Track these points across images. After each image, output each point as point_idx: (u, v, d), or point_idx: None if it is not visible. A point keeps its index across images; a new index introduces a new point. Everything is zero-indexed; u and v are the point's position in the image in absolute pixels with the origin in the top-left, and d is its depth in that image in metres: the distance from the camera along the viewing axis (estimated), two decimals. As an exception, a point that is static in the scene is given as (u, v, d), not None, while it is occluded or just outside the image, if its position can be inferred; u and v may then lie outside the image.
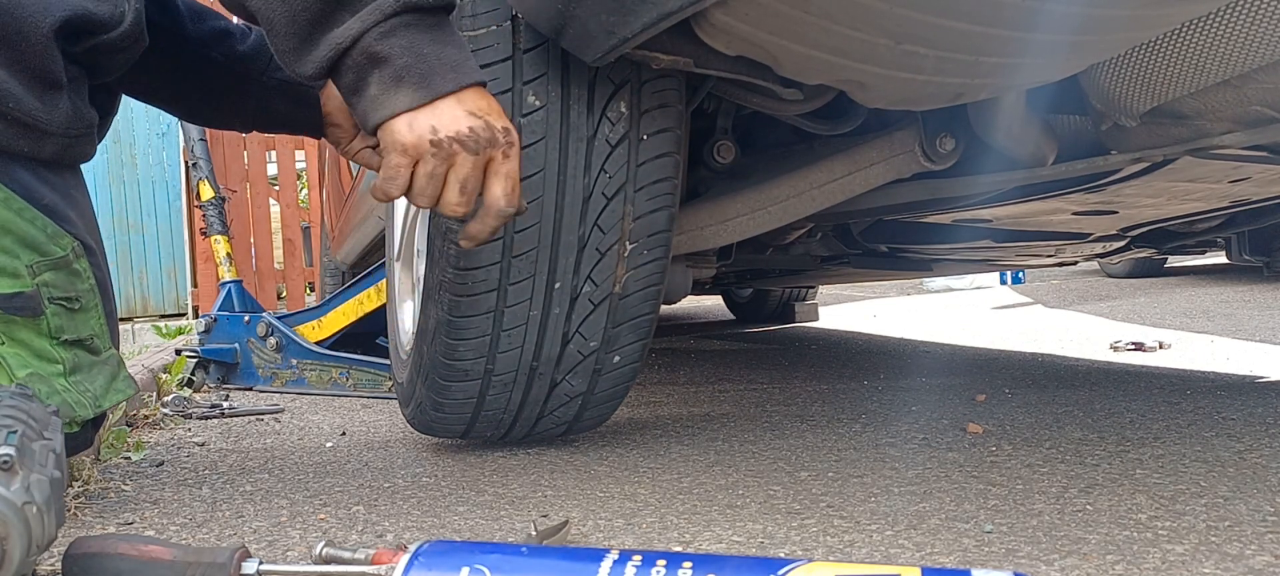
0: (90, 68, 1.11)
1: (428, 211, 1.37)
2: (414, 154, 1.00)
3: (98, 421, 1.17)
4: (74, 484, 1.28)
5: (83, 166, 1.16)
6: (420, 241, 1.59)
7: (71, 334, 1.09)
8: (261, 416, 2.07)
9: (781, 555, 0.97)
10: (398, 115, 0.99)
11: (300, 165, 7.48)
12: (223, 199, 3.09)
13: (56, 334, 1.08)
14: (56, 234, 1.07)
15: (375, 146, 1.31)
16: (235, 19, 1.20)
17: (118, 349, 1.19)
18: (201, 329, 2.69)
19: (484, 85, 1.03)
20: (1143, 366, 2.55)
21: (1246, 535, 0.99)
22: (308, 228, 6.85)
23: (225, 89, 1.31)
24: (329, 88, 1.32)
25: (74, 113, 1.07)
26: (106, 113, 1.30)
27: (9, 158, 1.03)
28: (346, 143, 1.36)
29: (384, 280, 2.49)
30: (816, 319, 4.61)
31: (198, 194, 3.09)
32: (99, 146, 1.23)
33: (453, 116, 0.99)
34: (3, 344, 1.05)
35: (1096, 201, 1.62)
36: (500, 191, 1.04)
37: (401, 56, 0.98)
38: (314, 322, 2.67)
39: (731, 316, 4.84)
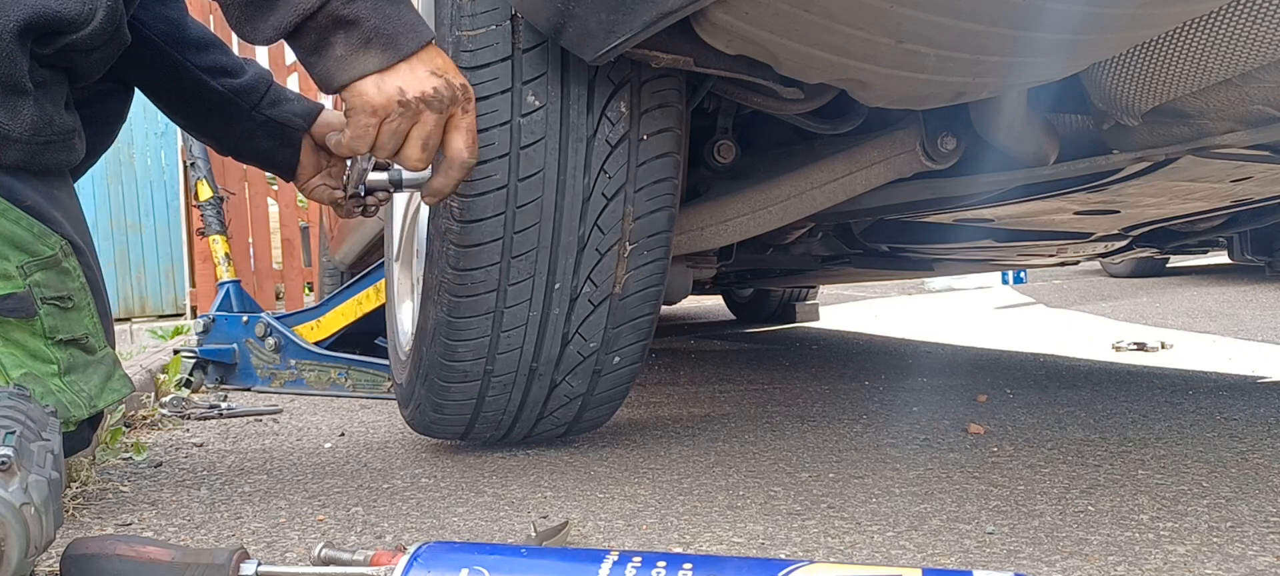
0: (68, 71, 1.09)
1: (427, 212, 1.37)
2: (383, 114, 1.03)
3: (95, 421, 1.17)
4: (72, 485, 1.27)
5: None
6: (419, 242, 1.59)
7: (66, 333, 1.09)
8: (260, 417, 2.06)
9: (782, 556, 0.97)
10: (366, 76, 1.02)
11: (299, 165, 7.46)
12: (221, 199, 3.08)
13: (51, 334, 1.07)
14: (43, 233, 1.06)
15: (330, 185, 1.39)
16: (236, 50, 1.23)
17: (113, 348, 1.18)
18: (200, 329, 2.69)
19: (433, 40, 1.06)
20: (1145, 366, 2.55)
21: (1249, 536, 0.99)
22: (306, 228, 6.84)
23: (215, 113, 1.36)
24: (307, 136, 1.38)
25: (41, 120, 1.04)
26: (116, 117, 1.33)
27: None
28: (306, 179, 1.41)
29: (383, 280, 2.49)
30: (817, 319, 4.61)
31: (196, 194, 3.08)
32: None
33: (417, 77, 1.03)
34: None
35: (1098, 201, 1.61)
36: (462, 144, 1.07)
37: (369, 19, 1.00)
38: (312, 323, 2.66)
39: (732, 316, 4.83)
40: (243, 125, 1.36)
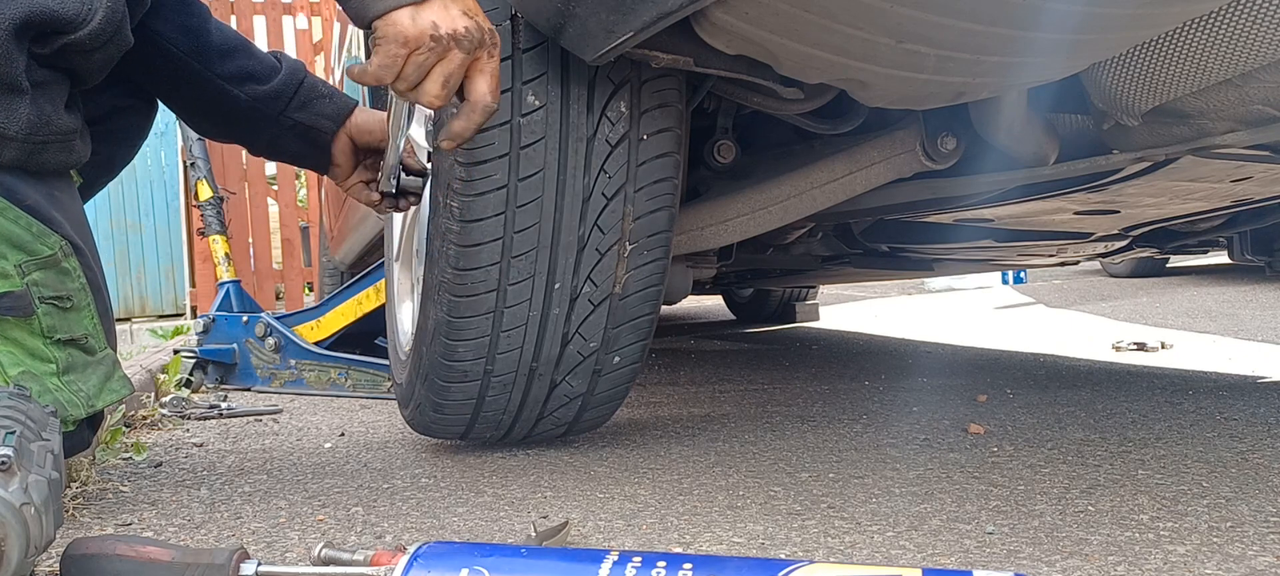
0: (69, 72, 1.08)
1: (427, 212, 1.37)
2: (413, 45, 1.02)
3: (95, 422, 1.17)
4: (72, 485, 1.27)
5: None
6: (419, 242, 1.59)
7: (64, 333, 1.09)
8: (260, 417, 2.06)
9: (782, 556, 0.97)
10: (401, 8, 1.02)
11: (299, 165, 7.46)
12: (221, 199, 3.08)
13: (49, 333, 1.07)
14: (42, 233, 1.06)
15: (367, 181, 1.38)
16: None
17: (114, 349, 1.18)
18: (200, 329, 2.69)
19: None
20: (1145, 366, 2.55)
21: (1249, 536, 0.99)
22: (306, 227, 6.85)
23: (243, 121, 1.34)
24: (340, 136, 1.36)
25: (38, 119, 1.04)
26: (137, 132, 1.33)
27: None
28: (344, 179, 1.39)
29: (383, 280, 2.49)
30: (817, 319, 4.61)
31: (196, 194, 3.08)
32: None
33: (450, 15, 1.03)
34: None
35: (1098, 201, 1.61)
36: (486, 88, 1.07)
37: None
38: (312, 323, 2.66)
39: (732, 316, 4.83)
40: (269, 131, 1.34)
